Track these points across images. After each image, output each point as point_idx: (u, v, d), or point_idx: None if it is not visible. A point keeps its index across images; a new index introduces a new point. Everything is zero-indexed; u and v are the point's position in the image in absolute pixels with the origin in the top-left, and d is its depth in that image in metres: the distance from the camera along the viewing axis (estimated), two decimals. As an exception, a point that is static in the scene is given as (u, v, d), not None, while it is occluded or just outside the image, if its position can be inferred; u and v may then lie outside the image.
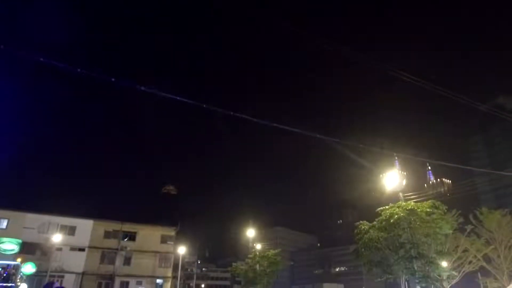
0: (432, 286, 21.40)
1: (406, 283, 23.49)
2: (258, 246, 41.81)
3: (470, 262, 33.08)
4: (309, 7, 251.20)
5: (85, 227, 42.40)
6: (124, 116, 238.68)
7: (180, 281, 47.00)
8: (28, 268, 28.62)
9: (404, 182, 21.55)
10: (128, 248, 43.43)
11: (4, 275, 20.73)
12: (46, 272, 35.45)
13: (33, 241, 38.12)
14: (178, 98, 10.83)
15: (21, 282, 22.55)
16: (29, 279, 31.03)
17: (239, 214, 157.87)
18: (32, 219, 39.66)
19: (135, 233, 45.23)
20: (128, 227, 44.92)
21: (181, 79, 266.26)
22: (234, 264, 47.07)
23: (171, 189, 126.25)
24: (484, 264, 35.16)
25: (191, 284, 70.27)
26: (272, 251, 41.19)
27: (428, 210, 21.56)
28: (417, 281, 21.37)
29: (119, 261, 42.46)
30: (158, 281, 44.18)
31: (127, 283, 42.21)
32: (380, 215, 23.31)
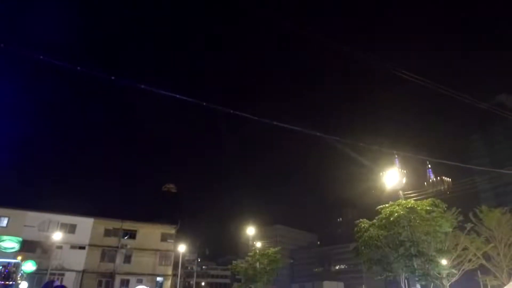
0: (432, 284, 21.42)
1: (406, 281, 23.52)
2: (258, 244, 41.87)
3: (469, 260, 33.05)
4: (309, 7, 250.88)
5: (86, 225, 42.43)
6: (124, 116, 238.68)
7: (180, 279, 47.05)
8: (29, 266, 28.74)
9: (404, 180, 21.53)
10: (129, 246, 43.50)
11: (5, 273, 20.77)
12: (47, 270, 35.53)
13: (34, 239, 38.19)
14: (177, 96, 10.84)
15: (21, 280, 22.62)
16: (30, 277, 31.16)
17: (239, 212, 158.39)
18: (33, 217, 39.69)
19: (135, 231, 45.26)
20: (128, 225, 44.96)
21: (181, 79, 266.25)
22: (234, 262, 47.11)
23: (171, 187, 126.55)
24: (484, 262, 35.16)
25: (191, 282, 70.37)
26: (272, 249, 41.25)
27: (428, 208, 21.56)
28: (417, 279, 21.42)
29: (119, 259, 42.52)
30: (159, 279, 44.27)
31: (128, 281, 42.27)
32: (380, 213, 23.32)
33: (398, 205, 21.63)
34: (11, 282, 20.40)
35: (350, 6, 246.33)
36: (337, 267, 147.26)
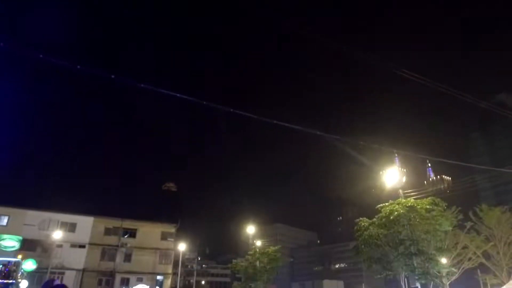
0: (432, 282, 21.43)
1: (405, 279, 23.51)
2: (258, 243, 41.83)
3: (469, 259, 33.11)
4: (309, 7, 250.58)
5: (86, 224, 42.46)
6: (124, 115, 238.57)
7: (180, 278, 47.11)
8: (29, 265, 28.76)
9: (404, 179, 21.50)
10: (129, 245, 43.53)
11: (5, 271, 20.77)
12: (47, 268, 35.55)
13: (34, 238, 38.23)
14: (178, 95, 10.82)
15: (22, 278, 22.62)
16: (30, 275, 31.15)
17: (239, 211, 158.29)
18: (33, 216, 39.72)
19: (135, 230, 45.29)
20: (128, 224, 44.98)
21: (181, 79, 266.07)
22: (234, 260, 47.16)
23: (171, 186, 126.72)
24: (484, 260, 35.21)
25: (191, 280, 70.48)
26: (272, 248, 41.21)
27: (428, 207, 21.55)
28: (416, 277, 21.41)
29: (119, 257, 42.56)
30: (159, 277, 44.31)
31: (128, 279, 42.32)
32: (380, 212, 23.32)
33: (398, 203, 21.62)
34: (11, 281, 20.40)
35: (350, 6, 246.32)
36: (337, 266, 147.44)
